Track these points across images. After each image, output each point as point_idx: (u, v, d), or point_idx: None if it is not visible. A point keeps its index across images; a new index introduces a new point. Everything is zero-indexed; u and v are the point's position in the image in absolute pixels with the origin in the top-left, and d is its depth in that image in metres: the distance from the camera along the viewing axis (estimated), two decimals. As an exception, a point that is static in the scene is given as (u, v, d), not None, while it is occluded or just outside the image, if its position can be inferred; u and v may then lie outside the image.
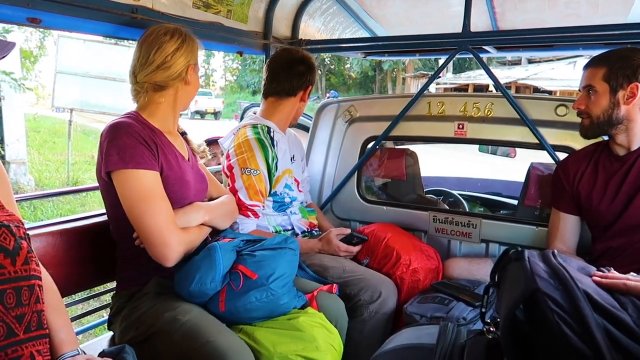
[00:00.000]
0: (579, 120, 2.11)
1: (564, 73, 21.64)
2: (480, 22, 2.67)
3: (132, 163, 1.48)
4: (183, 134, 1.82)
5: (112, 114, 7.99)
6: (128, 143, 1.49)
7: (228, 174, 2.08)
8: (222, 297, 1.54)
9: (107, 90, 8.58)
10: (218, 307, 1.54)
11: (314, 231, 2.33)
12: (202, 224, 1.66)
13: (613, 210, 1.80)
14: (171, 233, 1.50)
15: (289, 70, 2.19)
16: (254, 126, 2.15)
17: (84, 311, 2.11)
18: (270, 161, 2.08)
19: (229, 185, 2.07)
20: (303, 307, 1.65)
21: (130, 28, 1.86)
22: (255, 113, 2.28)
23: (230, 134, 2.21)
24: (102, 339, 1.88)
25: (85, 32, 1.98)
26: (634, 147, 1.79)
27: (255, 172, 2.04)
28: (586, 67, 1.82)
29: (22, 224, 1.06)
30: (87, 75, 8.61)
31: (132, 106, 1.71)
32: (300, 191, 2.31)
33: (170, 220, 1.52)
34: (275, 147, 2.13)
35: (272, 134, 2.15)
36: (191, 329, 1.42)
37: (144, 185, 1.49)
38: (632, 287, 0.89)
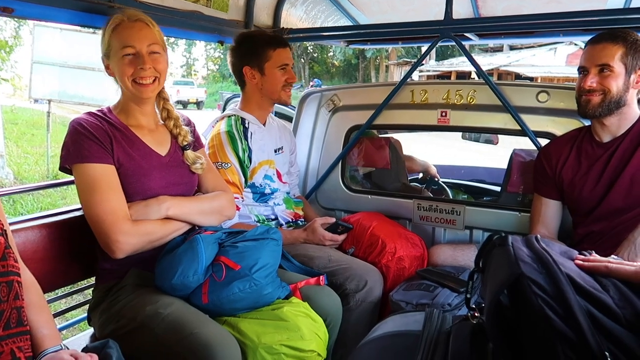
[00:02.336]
0: (560, 106, 2.12)
1: (545, 59, 21.96)
2: (462, 9, 2.67)
3: (78, 158, 1.51)
4: (186, 147, 1.72)
5: (91, 105, 7.82)
6: (75, 139, 1.52)
7: None
8: (205, 290, 1.53)
9: (86, 80, 8.35)
10: (201, 299, 1.52)
11: (299, 221, 2.33)
12: (170, 219, 1.61)
13: (595, 196, 1.82)
14: (114, 223, 1.48)
15: (234, 55, 2.19)
16: (229, 117, 2.15)
17: (68, 306, 2.09)
18: (240, 153, 2.07)
19: None
20: (287, 298, 1.65)
21: (108, 17, 1.82)
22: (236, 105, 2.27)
23: (210, 127, 2.20)
24: (87, 334, 1.86)
25: (61, 22, 1.93)
26: (620, 133, 1.80)
27: (226, 165, 2.04)
28: (595, 43, 1.75)
29: (-1, 219, 1.04)
30: (65, 65, 8.39)
31: (112, 97, 1.68)
32: (283, 182, 2.30)
33: (116, 211, 1.49)
34: (249, 139, 2.11)
35: (246, 125, 2.14)
36: (174, 322, 1.41)
37: (89, 178, 1.51)
38: (613, 269, 0.90)
